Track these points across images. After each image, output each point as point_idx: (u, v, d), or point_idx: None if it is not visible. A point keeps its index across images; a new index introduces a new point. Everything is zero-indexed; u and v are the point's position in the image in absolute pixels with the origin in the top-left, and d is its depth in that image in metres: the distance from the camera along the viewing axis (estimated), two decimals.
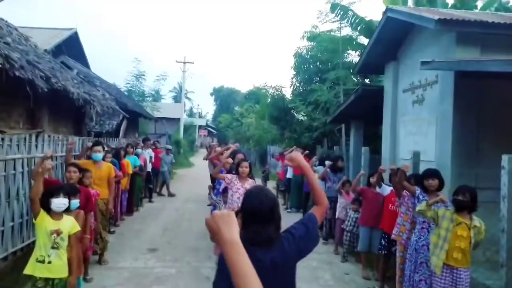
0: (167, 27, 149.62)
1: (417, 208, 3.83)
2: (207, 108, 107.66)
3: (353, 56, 12.82)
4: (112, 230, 7.02)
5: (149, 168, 9.81)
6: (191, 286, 4.92)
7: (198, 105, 74.96)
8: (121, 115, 10.87)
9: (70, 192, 3.28)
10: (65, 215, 3.29)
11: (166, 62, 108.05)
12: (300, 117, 14.05)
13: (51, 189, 3.20)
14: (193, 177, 17.09)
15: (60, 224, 3.21)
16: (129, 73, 21.67)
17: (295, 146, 10.55)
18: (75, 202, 3.48)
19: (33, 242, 5.62)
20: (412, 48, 7.48)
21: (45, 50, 10.30)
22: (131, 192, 8.46)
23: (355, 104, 8.98)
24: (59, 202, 3.15)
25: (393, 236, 4.63)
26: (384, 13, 7.22)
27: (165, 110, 27.34)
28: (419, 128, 6.97)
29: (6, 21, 8.26)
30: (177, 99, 53.48)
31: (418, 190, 4.28)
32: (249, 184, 5.10)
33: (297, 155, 2.20)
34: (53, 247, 3.12)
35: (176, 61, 30.17)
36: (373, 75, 11.61)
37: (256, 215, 1.86)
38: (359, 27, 12.02)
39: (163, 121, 25.33)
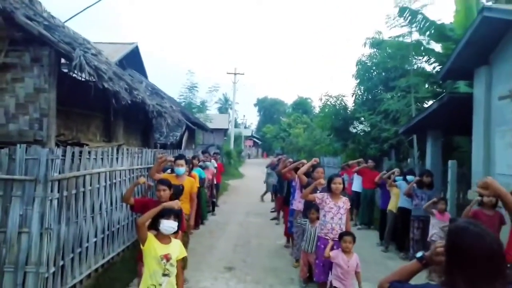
0: (211, 38, 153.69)
1: None
2: (251, 119, 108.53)
3: (422, 63, 11.97)
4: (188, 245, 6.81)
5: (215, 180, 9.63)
6: None
7: (244, 116, 75.73)
8: (184, 127, 10.84)
9: (179, 215, 3.00)
10: (173, 239, 3.01)
11: (211, 74, 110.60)
12: (363, 127, 13.32)
13: (163, 211, 2.94)
14: (246, 189, 16.86)
15: (169, 248, 2.94)
16: (182, 85, 22.07)
17: (361, 159, 9.89)
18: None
19: (113, 258, 5.56)
20: (509, 51, 6.67)
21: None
22: (198, 206, 8.26)
23: (436, 112, 8.22)
24: (169, 225, 2.88)
25: None
26: (480, 12, 6.52)
27: (213, 120, 27.57)
28: None
29: (80, 34, 8.52)
30: (221, 110, 54.33)
31: None
32: (343, 202, 4.63)
33: (494, 181, 1.71)
34: (164, 274, 2.84)
35: (227, 73, 30.46)
36: (447, 82, 10.73)
37: (482, 263, 1.38)
38: (428, 32, 11.23)
39: (212, 132, 25.49)
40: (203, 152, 11.17)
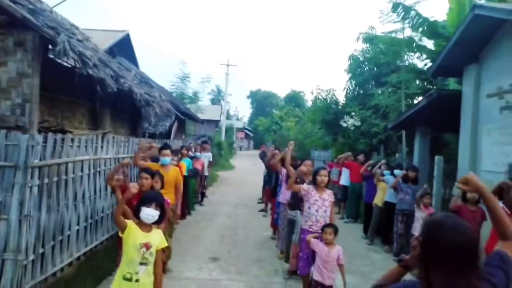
0: (204, 29, 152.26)
1: None
2: (244, 111, 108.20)
3: (414, 59, 11.99)
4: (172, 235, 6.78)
5: (206, 172, 9.60)
6: None
7: (236, 107, 75.46)
8: (173, 117, 10.75)
9: (162, 204, 2.96)
10: (154, 228, 2.97)
11: (204, 65, 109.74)
12: (353, 122, 13.35)
13: (144, 198, 2.91)
14: (236, 180, 16.85)
15: (150, 237, 2.90)
16: (174, 75, 21.85)
17: (350, 153, 9.93)
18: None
19: (96, 247, 5.51)
20: (499, 49, 6.70)
21: None
22: (185, 196, 8.23)
23: (425, 109, 8.26)
24: (149, 213, 2.84)
25: None
26: (471, 10, 6.51)
27: (205, 111, 27.39)
28: (509, 138, 6.19)
29: (68, 20, 8.34)
30: (214, 101, 54.07)
31: None
32: (327, 195, 4.62)
33: (474, 176, 1.70)
34: (142, 263, 2.80)
35: (220, 64, 30.25)
36: (438, 79, 10.77)
37: (456, 256, 1.38)
38: (421, 28, 11.23)
39: (202, 123, 25.35)
40: (203, 143, 11.14)
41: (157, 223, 3.00)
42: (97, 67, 4.92)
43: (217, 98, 55.55)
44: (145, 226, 2.91)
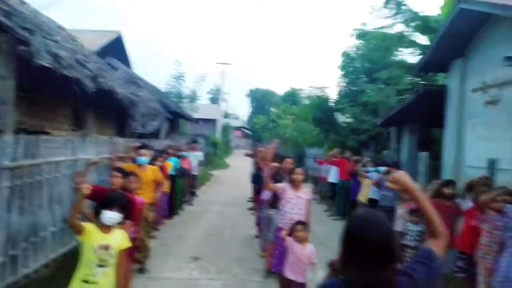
0: (203, 28, 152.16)
1: None
2: (242, 109, 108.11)
3: (406, 55, 11.95)
4: (152, 235, 6.76)
5: (196, 171, 9.59)
6: None
7: (234, 106, 75.43)
8: (163, 116, 10.73)
9: (124, 206, 2.93)
10: (115, 228, 2.94)
11: (203, 64, 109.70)
12: (345, 119, 13.31)
13: (106, 201, 2.88)
14: (230, 179, 16.82)
15: (110, 238, 2.87)
16: (170, 75, 21.80)
17: (338, 149, 9.92)
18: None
19: (76, 247, 5.49)
20: (484, 44, 6.66)
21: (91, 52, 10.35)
22: (172, 195, 8.22)
23: (412, 105, 8.23)
24: (110, 216, 2.82)
25: (476, 259, 3.97)
26: (457, 4, 6.46)
27: (202, 111, 27.32)
28: (492, 132, 6.15)
29: (55, 21, 8.30)
30: (213, 100, 53.99)
31: (509, 207, 3.63)
32: (304, 193, 4.60)
33: (403, 175, 1.68)
34: (100, 265, 2.78)
35: (216, 63, 30.30)
36: (428, 74, 10.72)
37: (369, 251, 1.37)
38: (413, 23, 11.17)
39: (199, 122, 25.29)
40: (192, 143, 11.13)
41: (121, 223, 2.97)
42: (72, 67, 4.89)
43: (216, 97, 55.43)
44: (105, 227, 2.88)
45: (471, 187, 4.55)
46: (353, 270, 1.40)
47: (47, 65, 4.26)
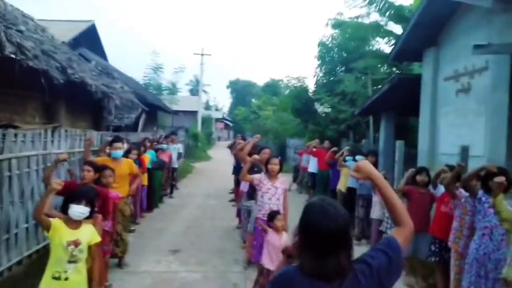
0: (182, 18, 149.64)
1: (505, 215, 3.23)
2: (223, 101, 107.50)
3: (381, 44, 12.07)
4: (132, 228, 6.67)
5: (176, 164, 9.48)
6: None
7: (215, 98, 74.84)
8: (140, 109, 10.53)
9: (92, 200, 2.85)
10: (84, 223, 2.87)
11: (182, 54, 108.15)
12: (323, 109, 13.41)
13: (73, 195, 2.80)
14: (212, 171, 16.73)
15: (79, 233, 2.80)
16: (147, 66, 21.40)
17: (317, 140, 9.99)
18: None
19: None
20: (456, 32, 6.78)
21: (63, 42, 9.99)
22: (151, 189, 8.12)
23: (388, 94, 8.34)
24: (78, 210, 2.74)
25: (449, 244, 4.08)
26: None
27: (182, 103, 26.98)
28: (464, 120, 6.31)
29: (21, 11, 7.96)
30: (193, 92, 53.38)
31: (480, 192, 3.74)
32: (280, 182, 4.61)
33: (366, 164, 1.68)
34: (70, 261, 2.71)
35: (194, 54, 29.84)
36: (403, 64, 10.88)
37: (324, 238, 1.38)
38: (387, 13, 11.28)
39: (180, 114, 24.99)
40: (171, 135, 10.95)
41: (88, 218, 2.90)
42: (38, 58, 4.71)
43: (196, 88, 54.81)
44: (73, 223, 2.80)
45: (438, 175, 4.67)
46: (308, 257, 1.40)
47: (10, 55, 4.07)
